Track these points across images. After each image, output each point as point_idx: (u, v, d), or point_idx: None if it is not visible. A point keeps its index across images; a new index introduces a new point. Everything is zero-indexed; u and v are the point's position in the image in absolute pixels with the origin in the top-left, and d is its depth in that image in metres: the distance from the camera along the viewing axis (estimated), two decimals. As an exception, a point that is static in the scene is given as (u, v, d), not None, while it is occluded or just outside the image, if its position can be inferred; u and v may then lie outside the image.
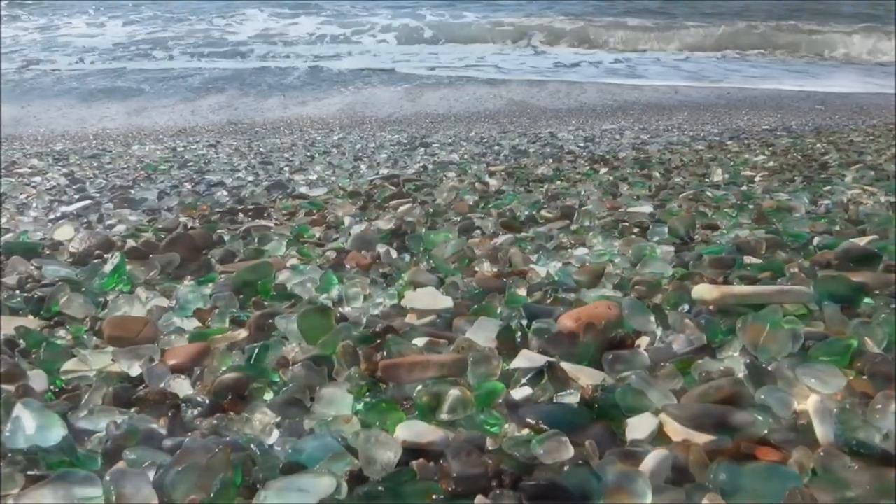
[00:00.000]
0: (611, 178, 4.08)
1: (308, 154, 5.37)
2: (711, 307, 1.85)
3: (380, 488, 1.12)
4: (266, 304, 1.98)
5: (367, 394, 1.43)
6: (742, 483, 1.11)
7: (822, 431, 1.25)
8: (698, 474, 1.16)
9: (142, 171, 4.66)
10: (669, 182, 3.89)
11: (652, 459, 1.15)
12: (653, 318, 1.76)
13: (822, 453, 1.19)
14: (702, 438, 1.23)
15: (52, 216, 3.32)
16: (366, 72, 13.39)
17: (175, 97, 10.80)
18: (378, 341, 1.63)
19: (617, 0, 22.04)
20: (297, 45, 16.25)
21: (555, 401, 1.40)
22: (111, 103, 10.24)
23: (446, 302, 1.89)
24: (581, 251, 2.50)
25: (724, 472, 1.13)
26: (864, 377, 1.47)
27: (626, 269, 2.26)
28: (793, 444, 1.24)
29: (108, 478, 1.13)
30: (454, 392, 1.33)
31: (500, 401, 1.35)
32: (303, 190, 3.83)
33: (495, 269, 2.29)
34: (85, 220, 3.21)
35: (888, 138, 5.81)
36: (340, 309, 1.91)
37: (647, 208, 3.11)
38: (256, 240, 2.66)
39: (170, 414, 1.39)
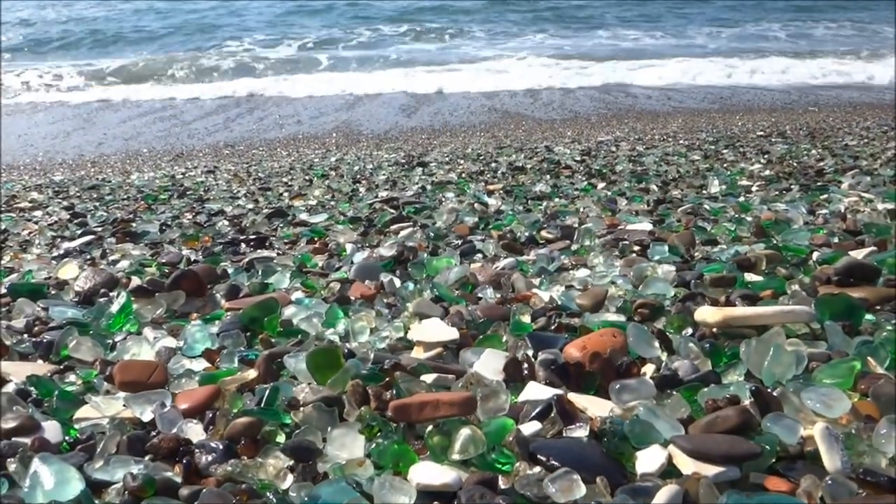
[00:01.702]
0: (609, 193, 4.10)
1: (307, 178, 5.40)
2: (714, 330, 1.87)
3: (396, 534, 1.13)
4: (273, 340, 2.00)
5: (379, 434, 1.45)
6: (753, 516, 1.12)
7: (829, 459, 1.26)
8: (709, 508, 1.18)
9: (142, 202, 4.68)
10: (667, 196, 3.92)
11: (663, 495, 1.17)
12: (657, 344, 1.78)
13: (829, 482, 1.20)
14: (711, 470, 1.25)
15: (55, 253, 3.34)
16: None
17: (172, 121, 10.86)
18: (387, 379, 1.65)
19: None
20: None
21: (564, 435, 1.42)
22: (107, 128, 10.29)
23: (452, 333, 1.91)
24: (583, 272, 2.52)
25: (734, 506, 1.14)
26: (869, 399, 1.49)
27: (629, 291, 2.28)
28: (801, 472, 1.26)
29: (128, 533, 1.15)
30: (465, 431, 1.35)
31: (511, 437, 1.37)
32: (303, 217, 3.85)
33: (499, 296, 2.31)
34: (88, 256, 3.23)
35: (882, 141, 5.84)
36: (347, 344, 1.93)
37: (646, 226, 3.13)
38: (260, 272, 2.68)
39: (184, 461, 1.40)
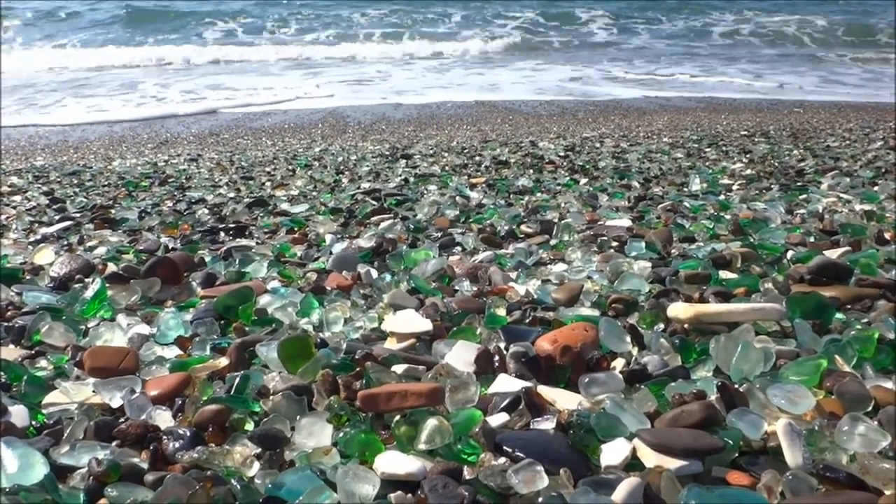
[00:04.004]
0: (590, 188, 4.12)
1: (290, 168, 5.38)
2: (686, 326, 1.88)
3: (358, 522, 1.14)
4: (247, 329, 2.00)
5: (347, 423, 1.45)
6: (712, 509, 1.14)
7: (790, 455, 1.27)
8: (670, 500, 1.19)
9: (122, 189, 4.65)
10: (648, 192, 3.93)
11: (624, 487, 1.18)
12: (628, 339, 1.79)
13: (790, 477, 1.22)
14: (673, 464, 1.26)
15: (32, 238, 3.31)
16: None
17: (157, 108, 10.78)
18: (357, 369, 1.65)
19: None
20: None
21: (532, 427, 1.43)
22: (92, 113, 10.20)
23: (426, 325, 1.91)
24: (560, 267, 2.53)
25: (694, 499, 1.15)
26: (833, 397, 1.50)
27: (604, 286, 2.29)
28: (763, 467, 1.27)
29: (89, 518, 1.14)
30: (432, 421, 1.35)
31: (478, 428, 1.37)
32: (284, 206, 3.84)
33: (475, 289, 2.31)
34: (65, 242, 3.20)
35: (863, 143, 5.89)
36: (321, 334, 1.93)
37: (625, 222, 3.14)
38: (238, 261, 2.67)
39: (151, 447, 1.40)
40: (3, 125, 9.30)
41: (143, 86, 13.33)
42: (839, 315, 1.96)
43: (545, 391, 1.56)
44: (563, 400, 1.53)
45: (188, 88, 12.97)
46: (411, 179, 4.62)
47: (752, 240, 2.79)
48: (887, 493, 1.19)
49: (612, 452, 1.31)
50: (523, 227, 3.14)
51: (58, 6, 23.67)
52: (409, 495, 1.21)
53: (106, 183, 4.99)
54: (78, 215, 3.80)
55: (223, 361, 1.76)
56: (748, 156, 5.30)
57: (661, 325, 1.92)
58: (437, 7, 23.69)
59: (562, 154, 5.65)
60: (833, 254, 2.48)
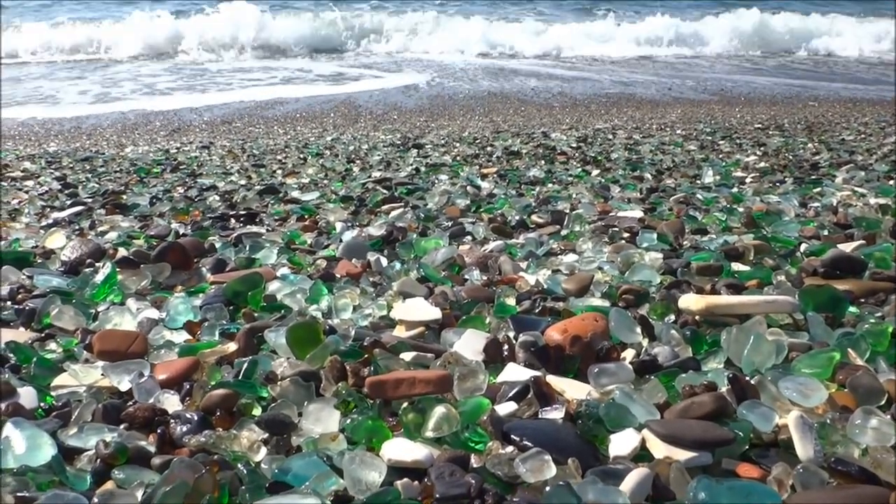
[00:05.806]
0: (602, 179, 4.09)
1: (301, 156, 5.37)
2: (697, 317, 1.87)
3: (364, 509, 1.13)
4: (256, 315, 2.00)
5: (355, 409, 1.44)
6: (721, 501, 1.12)
7: (801, 448, 1.26)
8: (679, 492, 1.18)
9: (134, 175, 4.66)
10: (660, 184, 3.91)
11: (633, 478, 1.17)
12: (639, 330, 1.78)
13: (801, 470, 1.20)
14: (683, 455, 1.25)
15: (44, 223, 3.32)
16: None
17: (171, 96, 10.80)
18: (366, 356, 1.64)
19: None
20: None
21: (540, 416, 1.42)
22: (106, 101, 10.23)
23: (435, 313, 1.90)
24: (571, 257, 2.52)
25: (703, 491, 1.14)
26: (846, 390, 1.49)
27: (615, 277, 2.27)
28: (773, 460, 1.26)
29: (96, 500, 1.15)
30: (439, 409, 1.35)
31: (486, 417, 1.37)
32: (295, 194, 3.83)
33: (485, 278, 2.30)
34: (77, 226, 3.21)
35: (879, 137, 5.83)
36: (329, 321, 1.93)
37: (637, 213, 3.12)
38: (248, 247, 2.67)
39: (159, 430, 1.40)
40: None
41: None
42: (853, 308, 1.94)
43: (554, 381, 1.55)
44: (573, 390, 1.52)
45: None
46: (422, 169, 4.61)
47: (765, 232, 2.77)
48: (900, 487, 1.17)
49: (621, 443, 1.31)
50: (534, 218, 3.12)
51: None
52: (416, 483, 1.20)
53: (118, 169, 5.00)
54: (90, 200, 3.80)
55: (232, 346, 1.76)
56: (762, 149, 5.26)
57: (672, 317, 1.91)
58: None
59: (574, 145, 5.62)
60: (847, 247, 2.45)
